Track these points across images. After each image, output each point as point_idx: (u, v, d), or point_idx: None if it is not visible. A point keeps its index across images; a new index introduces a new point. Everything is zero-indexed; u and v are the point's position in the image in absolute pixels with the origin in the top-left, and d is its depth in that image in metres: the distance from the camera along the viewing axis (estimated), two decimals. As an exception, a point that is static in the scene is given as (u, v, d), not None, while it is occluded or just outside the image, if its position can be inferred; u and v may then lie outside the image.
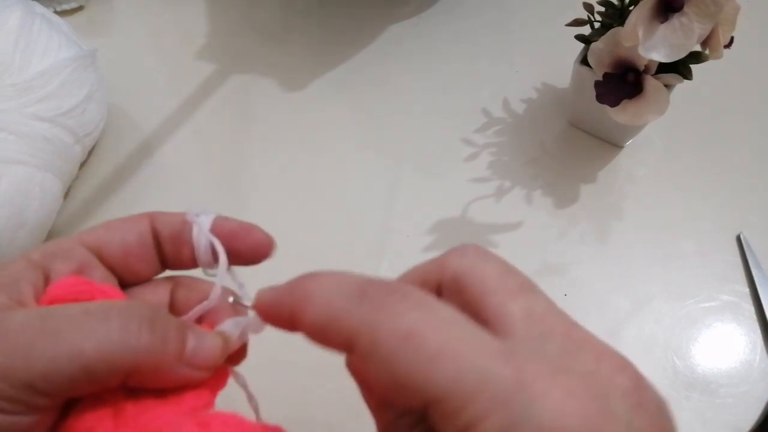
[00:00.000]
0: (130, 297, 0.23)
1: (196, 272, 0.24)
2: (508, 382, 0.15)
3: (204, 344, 0.20)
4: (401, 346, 0.16)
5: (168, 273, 0.24)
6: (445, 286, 0.19)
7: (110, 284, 0.22)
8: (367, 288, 0.17)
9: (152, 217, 0.23)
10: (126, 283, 0.23)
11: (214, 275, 0.23)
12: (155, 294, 0.23)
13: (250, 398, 0.24)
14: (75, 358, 0.17)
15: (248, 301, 0.23)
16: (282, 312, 0.19)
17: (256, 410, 0.24)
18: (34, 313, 0.18)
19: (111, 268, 0.22)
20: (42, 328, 0.17)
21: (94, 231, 0.22)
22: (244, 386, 0.24)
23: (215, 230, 0.22)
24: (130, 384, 0.19)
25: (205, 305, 0.22)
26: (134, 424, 0.19)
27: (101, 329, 0.18)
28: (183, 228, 0.23)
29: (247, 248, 0.23)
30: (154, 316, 0.19)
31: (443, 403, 0.15)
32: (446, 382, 0.15)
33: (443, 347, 0.15)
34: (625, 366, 0.16)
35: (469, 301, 0.18)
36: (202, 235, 0.22)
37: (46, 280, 0.21)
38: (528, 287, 0.18)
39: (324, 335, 0.17)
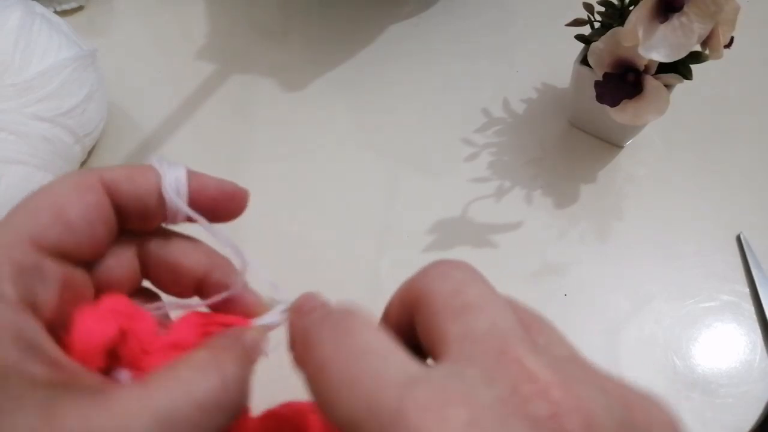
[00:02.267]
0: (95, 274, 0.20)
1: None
2: (390, 414, 0.14)
3: (253, 346, 0.20)
4: (316, 376, 0.16)
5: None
6: (412, 306, 0.18)
7: (134, 305, 0.20)
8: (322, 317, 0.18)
9: (110, 190, 0.19)
10: (80, 264, 0.20)
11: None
12: (119, 262, 0.21)
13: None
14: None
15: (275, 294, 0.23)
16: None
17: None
18: (141, 403, 0.15)
19: (72, 259, 0.19)
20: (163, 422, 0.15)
21: (51, 230, 0.18)
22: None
23: (193, 195, 0.20)
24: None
25: (228, 293, 0.21)
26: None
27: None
28: (151, 197, 0.20)
29: (226, 211, 0.21)
30: (235, 376, 0.18)
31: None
32: (344, 413, 0.15)
33: (347, 380, 0.15)
34: (547, 392, 0.14)
35: (421, 322, 0.17)
36: (181, 207, 0.20)
37: (38, 315, 0.17)
38: (474, 306, 0.16)
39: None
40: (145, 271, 0.22)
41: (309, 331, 0.17)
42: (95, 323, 0.18)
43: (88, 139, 0.46)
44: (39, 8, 0.46)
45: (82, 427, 0.14)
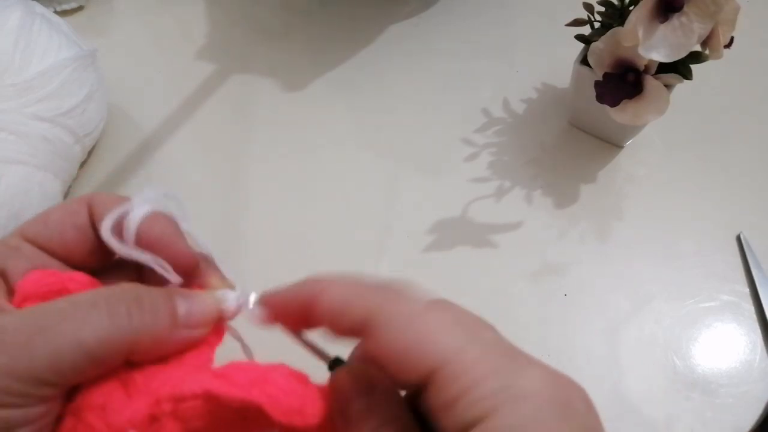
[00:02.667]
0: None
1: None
2: (500, 359, 0.18)
3: (196, 305, 0.21)
4: (414, 320, 0.19)
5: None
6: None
7: (76, 271, 0.22)
8: (376, 283, 0.20)
9: (91, 205, 0.22)
10: (82, 269, 0.23)
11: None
12: (123, 276, 0.23)
13: (246, 349, 0.24)
14: (76, 348, 0.18)
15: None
16: (295, 302, 0.21)
17: (250, 358, 0.24)
18: (24, 313, 0.19)
19: (61, 260, 0.22)
20: (37, 325, 0.18)
21: (33, 226, 0.22)
22: (238, 338, 0.24)
23: (145, 228, 0.22)
24: (133, 359, 0.20)
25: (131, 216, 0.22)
26: (147, 390, 0.19)
27: (93, 318, 0.19)
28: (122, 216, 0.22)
29: (167, 257, 0.22)
30: (138, 293, 0.20)
31: (446, 369, 0.18)
32: (452, 351, 0.18)
33: (448, 327, 0.19)
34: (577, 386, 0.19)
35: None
36: (130, 229, 0.21)
37: (5, 279, 0.21)
38: (494, 329, 0.20)
39: (339, 317, 0.20)
40: None
41: (394, 291, 0.20)
42: (33, 278, 0.21)
43: (88, 139, 0.46)
44: (39, 8, 0.46)
45: None
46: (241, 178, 0.48)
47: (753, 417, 0.38)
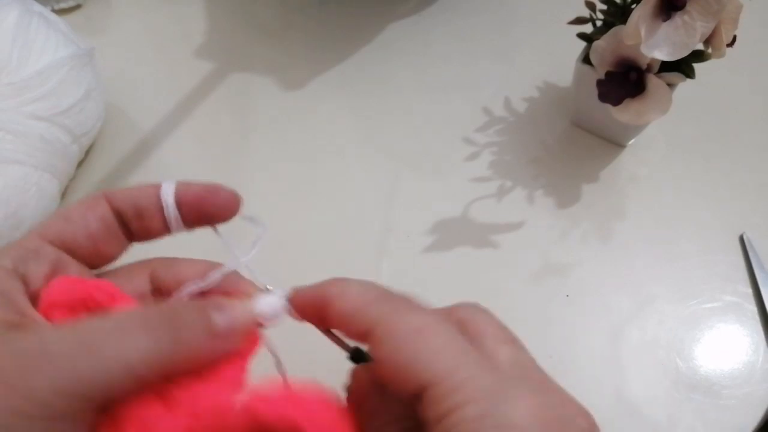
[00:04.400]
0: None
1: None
2: (490, 384, 0.18)
3: (231, 316, 0.21)
4: (413, 336, 0.19)
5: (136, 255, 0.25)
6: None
7: (100, 279, 0.22)
8: (389, 293, 0.21)
9: (108, 197, 0.23)
10: (96, 266, 0.23)
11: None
12: (131, 282, 0.23)
13: (278, 363, 0.24)
14: (123, 367, 0.18)
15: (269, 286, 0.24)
16: (315, 302, 0.22)
17: (283, 375, 0.24)
18: (69, 330, 0.19)
19: (80, 258, 0.22)
20: (84, 343, 0.18)
21: (54, 224, 0.22)
22: (273, 352, 0.24)
23: (181, 196, 0.23)
24: (172, 373, 0.20)
25: (205, 284, 0.23)
26: (184, 403, 0.20)
27: (137, 338, 0.19)
28: (146, 201, 0.23)
29: (215, 208, 0.24)
30: (176, 310, 0.20)
31: (435, 388, 0.18)
32: (443, 371, 0.18)
33: (445, 346, 0.19)
34: (586, 413, 0.19)
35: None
36: (170, 205, 0.23)
37: (25, 283, 0.21)
38: (518, 344, 0.21)
39: (348, 322, 0.20)
40: (157, 294, 0.24)
41: (402, 304, 0.20)
42: (59, 286, 0.21)
43: (85, 138, 0.46)
44: (37, 7, 0.45)
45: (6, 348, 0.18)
46: (240, 177, 0.48)
47: (755, 418, 0.38)
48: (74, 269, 0.22)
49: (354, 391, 0.22)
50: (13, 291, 0.20)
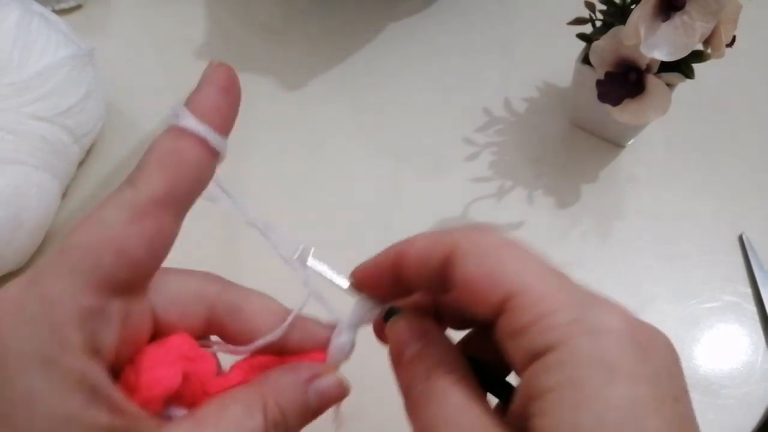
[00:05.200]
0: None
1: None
2: (577, 294, 0.18)
3: (326, 393, 0.22)
4: (496, 248, 0.19)
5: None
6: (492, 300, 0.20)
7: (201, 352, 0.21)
8: (458, 227, 0.22)
9: (153, 199, 0.19)
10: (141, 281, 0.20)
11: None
12: (184, 319, 0.21)
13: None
14: None
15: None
16: (384, 263, 0.22)
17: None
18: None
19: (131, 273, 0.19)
20: None
21: (99, 258, 0.17)
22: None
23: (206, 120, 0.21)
24: None
25: (273, 335, 0.22)
26: None
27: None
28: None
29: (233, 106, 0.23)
30: (279, 399, 0.20)
31: (522, 296, 0.18)
32: (529, 280, 0.18)
33: (528, 259, 0.19)
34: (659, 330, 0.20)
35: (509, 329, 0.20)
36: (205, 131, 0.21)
37: (99, 358, 0.17)
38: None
39: (426, 259, 0.21)
40: (212, 327, 0.22)
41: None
42: (162, 370, 0.18)
43: (86, 138, 0.46)
44: (37, 7, 0.45)
45: None
46: (239, 177, 0.48)
47: (754, 418, 0.38)
48: (138, 314, 0.19)
49: (394, 344, 0.22)
50: (95, 379, 0.17)
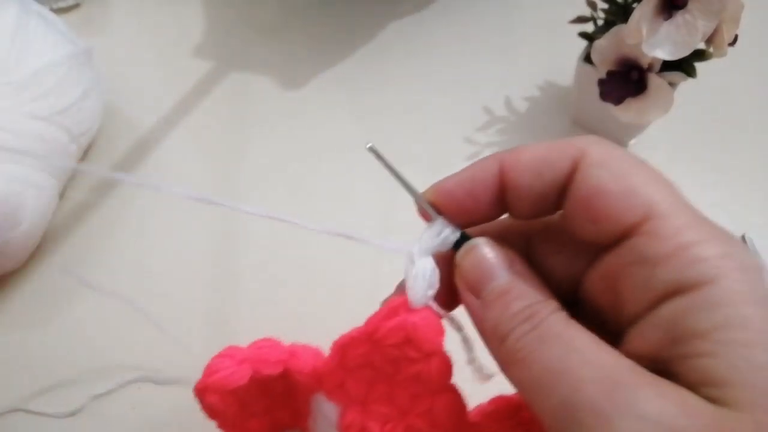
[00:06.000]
0: None
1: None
2: (716, 227, 0.17)
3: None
4: (633, 164, 0.17)
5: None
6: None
7: None
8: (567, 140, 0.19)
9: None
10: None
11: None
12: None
13: (465, 340, 0.22)
14: None
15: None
16: (480, 176, 0.20)
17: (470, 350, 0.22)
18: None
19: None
20: None
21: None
22: (459, 329, 0.22)
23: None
24: None
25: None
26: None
27: None
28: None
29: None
30: None
31: (664, 220, 0.16)
32: (671, 204, 0.17)
33: (668, 184, 0.17)
34: None
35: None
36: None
37: None
38: None
39: (543, 168, 0.18)
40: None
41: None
42: None
43: (84, 138, 0.45)
44: (35, 6, 0.45)
45: None
46: (239, 176, 0.48)
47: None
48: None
49: (476, 273, 0.19)
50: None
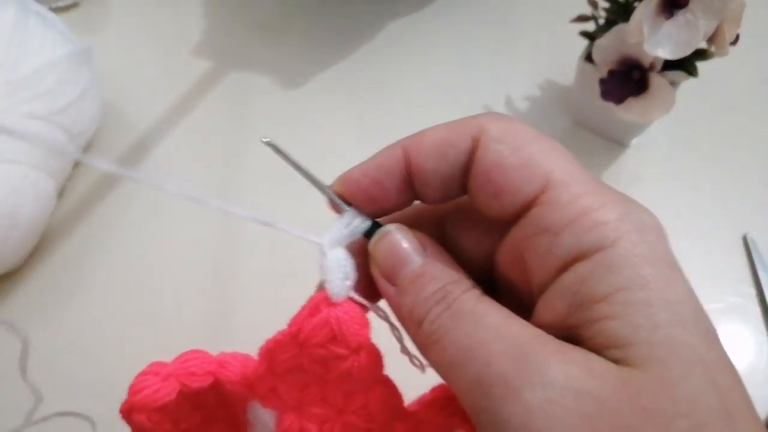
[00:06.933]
0: None
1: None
2: (611, 191, 0.17)
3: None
4: (533, 137, 0.18)
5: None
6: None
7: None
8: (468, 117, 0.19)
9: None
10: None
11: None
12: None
13: (393, 328, 0.22)
14: None
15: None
16: (385, 164, 0.20)
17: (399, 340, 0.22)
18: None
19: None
20: None
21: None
22: (386, 319, 0.22)
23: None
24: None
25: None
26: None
27: None
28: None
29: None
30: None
31: (563, 188, 0.17)
32: (570, 172, 0.17)
33: (565, 153, 0.18)
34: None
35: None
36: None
37: None
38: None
39: (445, 149, 0.19)
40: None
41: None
42: None
43: (82, 137, 0.45)
44: (34, 5, 0.45)
45: None
46: (238, 176, 0.48)
47: (760, 421, 0.38)
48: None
49: (389, 258, 0.19)
50: None
